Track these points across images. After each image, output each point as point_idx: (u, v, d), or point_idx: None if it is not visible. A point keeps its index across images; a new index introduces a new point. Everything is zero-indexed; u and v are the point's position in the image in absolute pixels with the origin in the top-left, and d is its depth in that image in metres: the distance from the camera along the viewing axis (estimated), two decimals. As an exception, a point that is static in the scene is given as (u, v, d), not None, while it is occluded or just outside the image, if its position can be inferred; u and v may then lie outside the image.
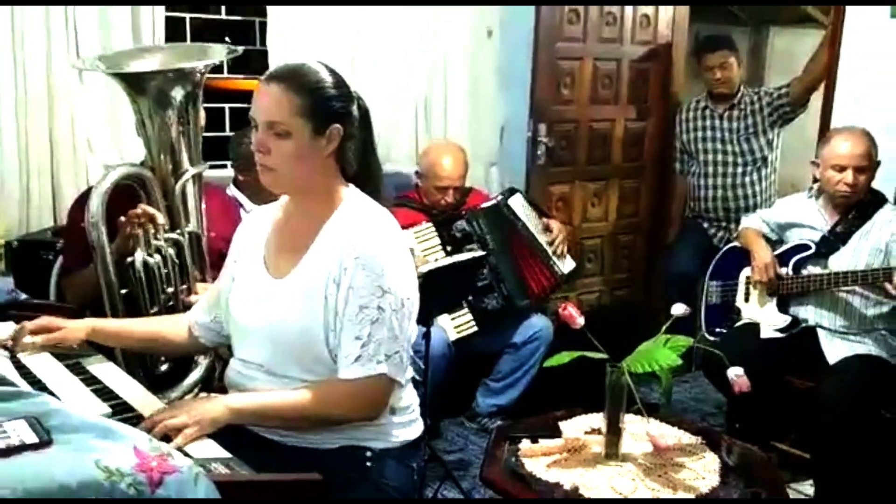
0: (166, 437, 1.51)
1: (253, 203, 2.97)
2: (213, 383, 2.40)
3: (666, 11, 4.42)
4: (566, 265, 3.49)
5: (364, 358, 1.67)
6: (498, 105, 4.07)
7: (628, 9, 4.28)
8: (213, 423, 1.61)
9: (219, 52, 2.51)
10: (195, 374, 2.39)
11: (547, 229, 3.48)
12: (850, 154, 2.92)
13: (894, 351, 2.95)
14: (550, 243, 3.45)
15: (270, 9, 3.44)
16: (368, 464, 1.76)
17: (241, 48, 2.54)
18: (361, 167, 1.83)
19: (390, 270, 1.69)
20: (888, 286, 2.75)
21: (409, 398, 1.87)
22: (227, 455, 1.44)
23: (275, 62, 3.41)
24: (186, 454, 1.33)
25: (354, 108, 1.78)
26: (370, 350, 1.67)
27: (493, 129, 4.09)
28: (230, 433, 1.62)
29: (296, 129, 1.69)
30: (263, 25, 3.53)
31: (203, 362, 2.40)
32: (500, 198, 3.48)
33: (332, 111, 1.72)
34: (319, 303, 1.70)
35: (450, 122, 3.90)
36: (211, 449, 1.49)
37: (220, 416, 1.62)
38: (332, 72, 1.77)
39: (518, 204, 3.44)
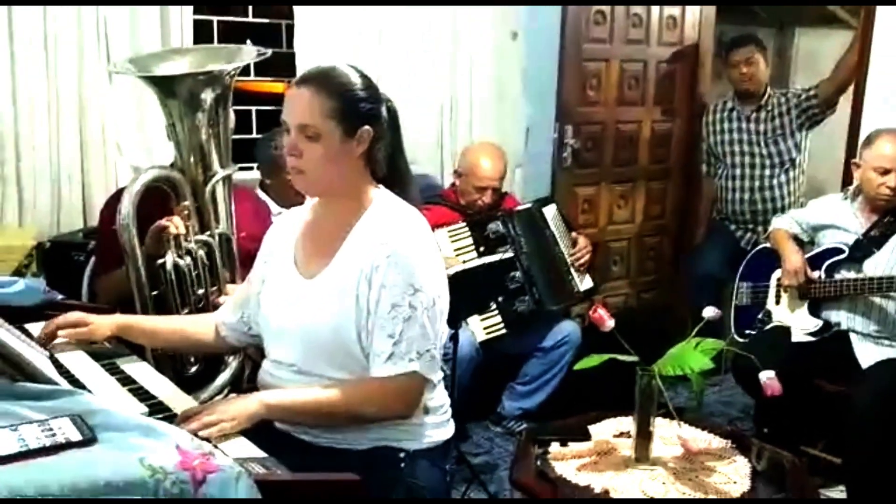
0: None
1: (278, 206, 2.98)
2: (243, 385, 2.41)
3: (692, 13, 4.40)
4: (584, 283, 3.49)
5: (396, 356, 1.68)
6: (523, 107, 4.06)
7: (654, 10, 4.26)
8: (250, 418, 1.62)
9: (248, 54, 2.53)
10: (225, 375, 2.40)
11: (574, 244, 3.48)
12: (894, 156, 2.89)
13: (927, 356, 2.92)
14: (573, 256, 3.43)
15: (297, 11, 3.45)
16: (402, 465, 1.76)
17: (269, 50, 2.54)
18: (390, 168, 1.84)
19: (422, 269, 1.70)
20: None
21: (441, 398, 1.87)
22: (264, 455, 1.45)
23: (301, 65, 3.42)
24: (224, 453, 1.34)
25: (384, 110, 1.79)
26: (402, 348, 1.68)
27: (519, 131, 4.08)
28: (263, 433, 1.63)
29: (326, 131, 1.70)
30: (290, 28, 3.55)
31: (233, 363, 2.42)
32: (534, 203, 3.50)
33: (362, 113, 1.74)
34: (351, 302, 1.71)
35: (475, 125, 3.90)
36: (248, 448, 1.50)
37: (255, 411, 1.64)
38: (362, 74, 1.78)
39: (551, 214, 3.46)
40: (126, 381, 1.81)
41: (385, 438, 1.76)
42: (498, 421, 3.55)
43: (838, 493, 3.00)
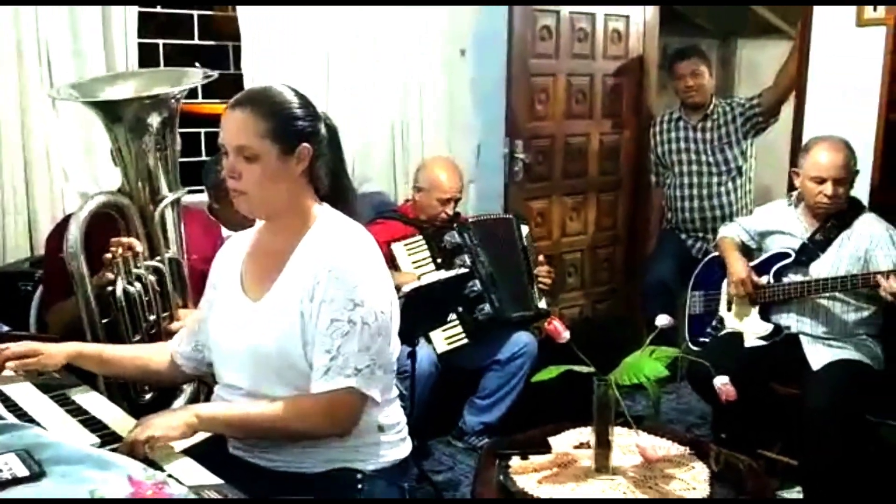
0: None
1: (228, 230, 2.95)
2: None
3: (636, 26, 4.47)
4: (541, 303, 3.56)
5: (333, 371, 1.67)
6: (474, 123, 4.09)
7: (599, 24, 4.32)
8: (182, 428, 1.62)
9: (194, 77, 2.50)
10: (179, 402, 2.37)
11: (539, 264, 3.57)
12: (830, 166, 2.93)
13: (876, 355, 2.97)
14: (538, 274, 3.53)
15: (244, 33, 3.43)
16: (359, 486, 1.75)
17: (215, 73, 2.53)
18: (333, 185, 1.83)
19: (363, 284, 1.69)
20: (884, 291, 2.76)
21: (396, 416, 1.86)
22: (220, 481, 1.42)
23: (249, 86, 3.40)
24: (179, 481, 1.31)
25: (322, 127, 1.79)
26: (339, 363, 1.67)
27: (470, 147, 4.10)
28: (219, 460, 1.61)
29: (264, 152, 1.70)
30: (237, 50, 3.53)
31: (187, 389, 2.38)
32: (507, 215, 3.64)
33: (299, 131, 1.74)
34: (296, 320, 1.70)
35: (427, 142, 3.91)
36: (203, 476, 1.47)
37: (190, 423, 1.64)
38: (297, 93, 1.78)
39: (525, 231, 3.58)
40: (77, 412, 1.77)
41: (341, 460, 1.74)
42: (460, 436, 3.54)
43: (795, 493, 3.04)
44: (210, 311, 1.89)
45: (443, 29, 3.88)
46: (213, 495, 1.30)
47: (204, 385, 2.37)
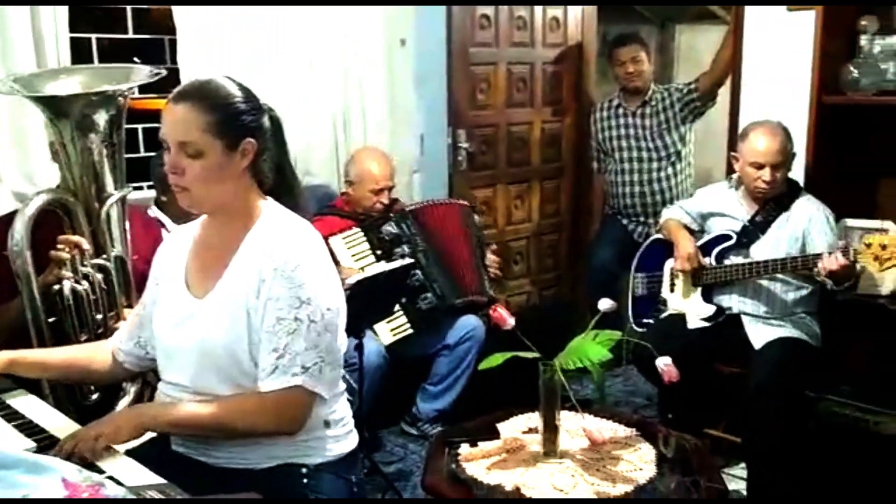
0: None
1: (176, 224, 2.91)
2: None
3: (574, 13, 4.50)
4: (490, 289, 3.59)
5: (280, 370, 1.66)
6: (416, 113, 4.07)
7: (538, 12, 4.34)
8: (132, 431, 1.61)
9: (142, 74, 2.46)
10: (124, 402, 2.33)
11: (489, 254, 3.61)
12: (767, 151, 2.99)
13: (814, 333, 3.05)
14: (488, 262, 3.57)
15: (179, 26, 3.37)
16: (305, 480, 1.73)
17: (163, 70, 2.49)
18: (278, 179, 1.81)
19: (310, 281, 1.68)
20: (819, 273, 2.83)
21: (342, 410, 1.85)
22: (162, 481, 1.40)
23: (187, 80, 3.34)
24: (118, 482, 1.29)
25: (266, 121, 1.77)
26: (285, 362, 1.65)
27: (414, 137, 4.09)
28: (162, 458, 1.60)
29: (207, 147, 1.67)
30: (173, 43, 3.46)
31: (131, 389, 2.34)
32: (451, 201, 3.67)
33: (244, 126, 1.71)
34: (242, 318, 1.68)
35: (369, 133, 3.88)
36: (144, 476, 1.45)
37: (137, 424, 1.62)
38: (241, 86, 1.75)
39: (477, 220, 3.63)
40: (12, 416, 1.73)
41: (286, 456, 1.73)
42: (413, 422, 3.54)
43: (740, 470, 3.10)
44: (154, 307, 1.86)
45: (381, 19, 3.85)
46: (155, 495, 1.28)
47: (148, 385, 2.34)
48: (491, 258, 3.60)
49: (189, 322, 1.74)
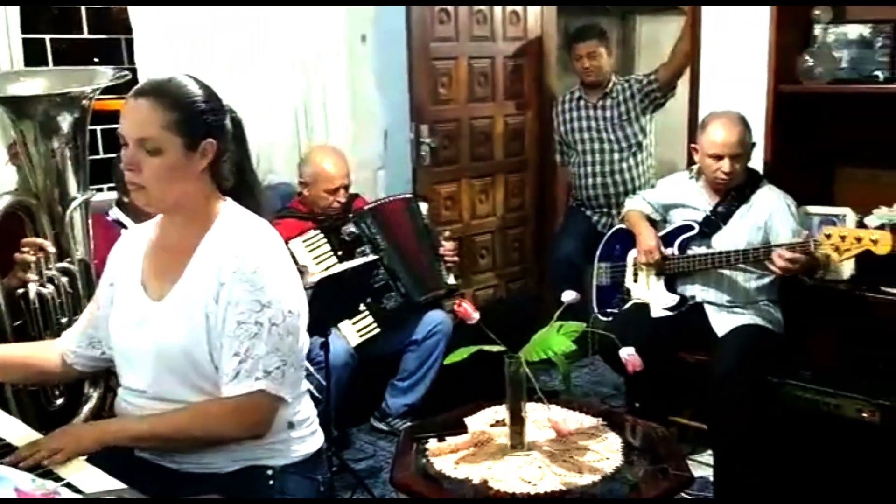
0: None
1: (137, 224, 2.87)
2: (107, 415, 2.31)
3: (534, 7, 4.51)
4: (450, 279, 3.59)
5: (242, 375, 1.64)
6: (379, 109, 4.06)
7: (497, 6, 4.35)
8: (91, 444, 1.58)
9: (106, 76, 2.43)
10: (86, 408, 2.31)
11: (443, 242, 3.57)
12: (726, 143, 3.02)
13: (776, 320, 3.09)
14: (443, 251, 3.55)
15: (136, 26, 3.32)
16: (270, 482, 1.72)
17: (128, 72, 2.47)
18: (238, 181, 1.79)
19: (270, 284, 1.66)
20: (773, 265, 2.87)
21: (306, 411, 1.84)
22: (122, 486, 1.39)
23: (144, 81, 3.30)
24: (77, 489, 1.27)
25: (227, 122, 1.75)
26: (248, 366, 1.64)
27: (377, 133, 4.08)
28: (125, 464, 1.58)
29: (167, 145, 1.65)
30: (130, 43, 3.42)
31: (94, 394, 2.32)
32: (404, 196, 3.62)
33: (205, 125, 1.69)
34: (201, 321, 1.66)
35: (331, 131, 3.86)
36: (103, 481, 1.43)
37: (96, 439, 1.60)
38: (203, 85, 1.73)
39: (424, 209, 3.58)
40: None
41: (250, 458, 1.72)
42: (382, 418, 3.54)
43: (707, 457, 3.14)
44: (110, 308, 1.83)
45: (342, 16, 3.83)
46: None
47: (112, 390, 2.31)
48: (446, 246, 3.56)
49: (146, 325, 1.72)
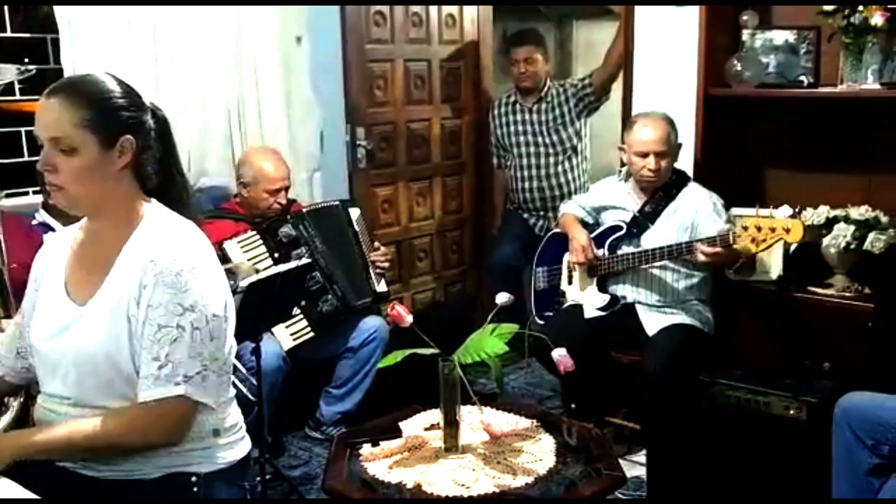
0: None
1: (65, 227, 2.80)
2: (28, 425, 2.24)
3: (470, 10, 4.52)
4: (380, 286, 3.56)
5: (162, 379, 1.60)
6: (315, 111, 4.01)
7: (433, 9, 4.35)
8: (9, 459, 1.53)
9: (8, 73, 2.35)
10: (6, 418, 2.20)
11: (374, 248, 3.55)
12: (651, 140, 3.07)
13: (706, 319, 3.14)
14: (374, 257, 3.52)
15: (61, 24, 3.23)
16: (196, 489, 1.69)
17: (33, 67, 2.38)
18: (163, 181, 1.76)
19: (194, 287, 1.63)
20: (698, 253, 2.92)
21: (233, 417, 1.81)
22: (35, 497, 1.34)
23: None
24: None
25: (148, 118, 1.71)
26: (167, 371, 1.60)
27: (313, 135, 4.03)
28: (42, 474, 1.53)
29: (82, 143, 1.61)
30: (57, 42, 3.33)
31: (14, 404, 2.23)
32: (335, 202, 3.55)
33: (122, 122, 1.65)
34: (123, 325, 1.63)
35: (266, 132, 3.81)
36: (15, 492, 1.38)
37: (6, 455, 1.55)
38: (121, 82, 1.69)
39: (355, 215, 3.53)
40: None
41: (175, 465, 1.68)
42: (317, 426, 3.50)
43: (642, 456, 3.17)
44: (32, 314, 1.77)
45: (276, 17, 3.79)
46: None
47: (33, 399, 2.24)
48: (376, 252, 3.54)
49: (69, 330, 1.67)
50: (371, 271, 3.50)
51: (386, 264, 3.58)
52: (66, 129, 1.60)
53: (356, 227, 3.50)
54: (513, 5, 5.12)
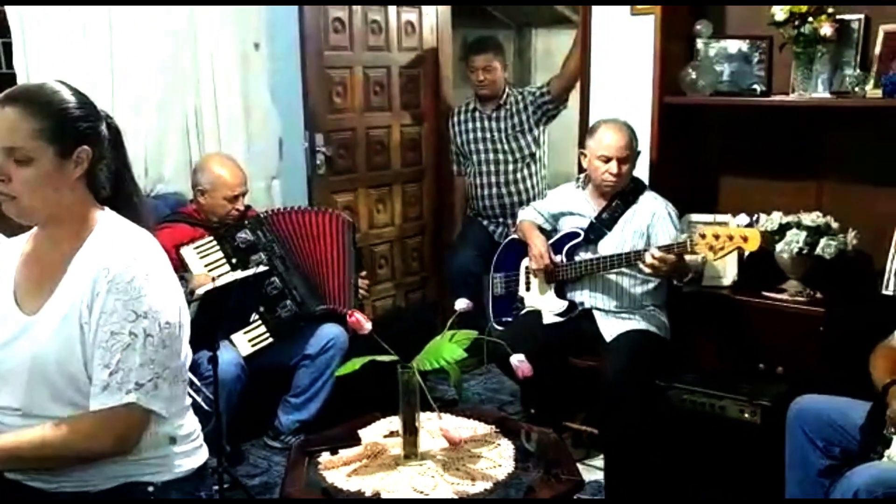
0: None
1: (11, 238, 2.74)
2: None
3: (429, 17, 4.53)
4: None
5: (112, 387, 1.58)
6: (273, 118, 3.99)
7: (392, 16, 4.35)
8: None
9: None
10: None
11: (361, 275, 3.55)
12: (614, 146, 3.11)
13: (663, 324, 3.18)
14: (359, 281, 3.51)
15: (13, 28, 3.18)
16: (152, 499, 1.67)
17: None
18: (116, 189, 1.74)
19: (147, 294, 1.61)
20: (644, 264, 2.95)
21: (190, 426, 1.79)
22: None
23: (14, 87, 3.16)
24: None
25: (103, 128, 1.69)
26: (119, 378, 1.58)
27: (272, 142, 4.01)
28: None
29: (38, 153, 1.59)
30: (9, 46, 3.27)
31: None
32: (335, 211, 3.62)
33: (78, 132, 1.63)
34: (75, 333, 1.60)
35: (224, 139, 3.78)
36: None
37: None
38: (76, 91, 1.68)
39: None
40: None
41: (130, 474, 1.66)
42: (276, 436, 3.47)
43: (600, 461, 3.20)
44: None
45: (233, 22, 3.76)
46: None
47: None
48: (362, 282, 3.54)
49: (19, 340, 1.64)
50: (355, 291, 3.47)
51: (365, 292, 3.56)
52: (22, 139, 1.58)
53: (353, 245, 3.50)
54: (471, 5, 5.13)
